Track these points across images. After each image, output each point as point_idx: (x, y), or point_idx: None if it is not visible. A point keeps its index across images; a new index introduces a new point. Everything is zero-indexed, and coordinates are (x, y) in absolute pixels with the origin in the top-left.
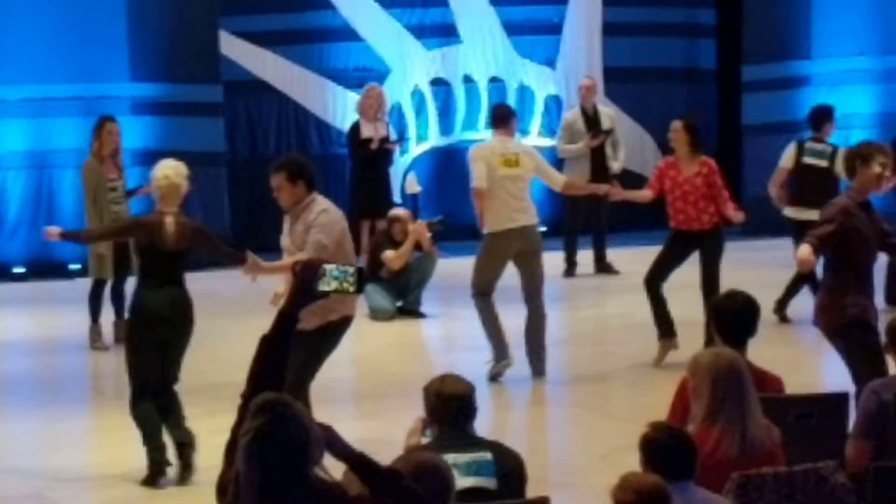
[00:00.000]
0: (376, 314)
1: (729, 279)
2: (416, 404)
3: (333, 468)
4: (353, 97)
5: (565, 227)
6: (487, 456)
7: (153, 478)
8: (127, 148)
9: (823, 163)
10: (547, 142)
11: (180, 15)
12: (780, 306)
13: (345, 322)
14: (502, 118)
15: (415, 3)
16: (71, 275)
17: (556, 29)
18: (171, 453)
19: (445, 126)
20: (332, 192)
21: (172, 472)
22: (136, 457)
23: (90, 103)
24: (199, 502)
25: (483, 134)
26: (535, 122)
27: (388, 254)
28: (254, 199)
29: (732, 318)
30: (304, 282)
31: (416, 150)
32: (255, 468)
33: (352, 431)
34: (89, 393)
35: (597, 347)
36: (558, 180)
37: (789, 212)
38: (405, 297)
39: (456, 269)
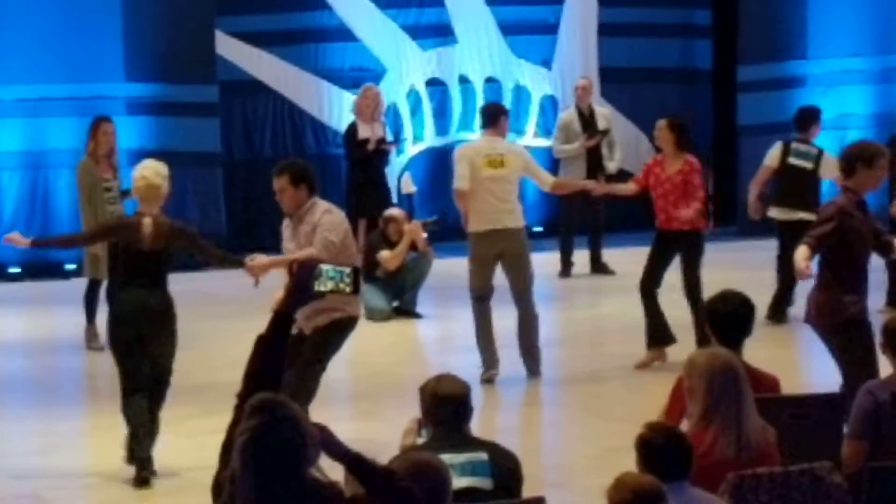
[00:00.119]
0: (372, 314)
1: (724, 280)
2: (412, 405)
3: (330, 469)
4: (348, 97)
5: (561, 227)
6: (483, 456)
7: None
8: (122, 148)
9: (808, 164)
10: (543, 142)
11: (176, 15)
12: (776, 311)
13: (350, 322)
14: (491, 117)
15: (411, 4)
16: (66, 275)
17: (552, 29)
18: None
19: (441, 126)
20: (329, 192)
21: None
22: None
23: (86, 103)
24: (195, 503)
25: (479, 134)
26: (531, 123)
27: (384, 254)
28: (249, 199)
29: (727, 318)
30: (301, 282)
31: (411, 150)
32: (251, 468)
33: (348, 432)
34: (85, 393)
35: (592, 348)
36: (547, 181)
37: (773, 212)
38: (401, 297)
39: (451, 269)
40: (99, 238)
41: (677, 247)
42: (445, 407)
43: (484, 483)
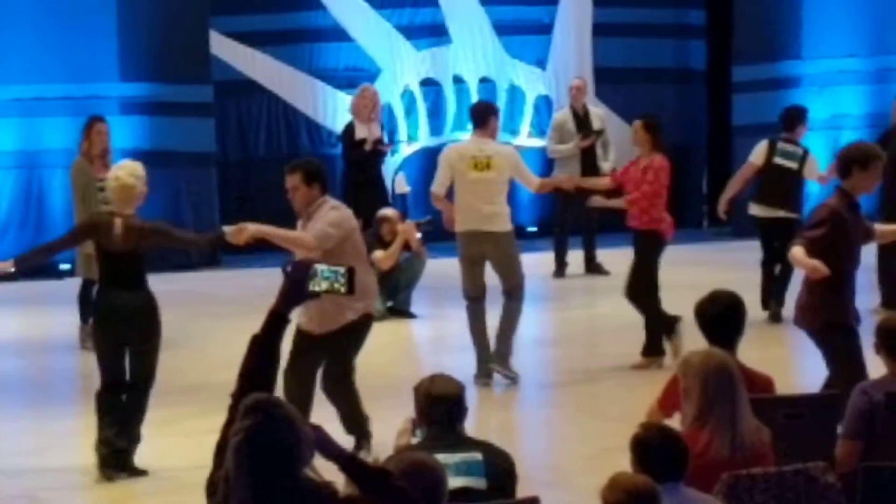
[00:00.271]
0: None
1: (717, 280)
2: (407, 405)
3: (324, 469)
4: (343, 97)
5: (555, 227)
6: (477, 456)
7: (101, 467)
8: (116, 148)
9: (793, 164)
10: (537, 142)
11: (170, 15)
12: (767, 300)
13: (365, 321)
14: (480, 118)
15: (405, 4)
16: (61, 275)
17: (546, 29)
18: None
19: (435, 126)
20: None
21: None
22: None
23: (80, 103)
24: (189, 502)
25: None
26: (525, 123)
27: (378, 254)
28: (244, 199)
29: (716, 319)
30: (295, 282)
31: (406, 150)
32: (245, 468)
33: (342, 432)
34: (79, 393)
35: (587, 348)
36: (533, 182)
37: (755, 210)
38: (395, 297)
39: (445, 269)
40: (75, 240)
41: (636, 246)
42: (439, 407)
43: (478, 483)
